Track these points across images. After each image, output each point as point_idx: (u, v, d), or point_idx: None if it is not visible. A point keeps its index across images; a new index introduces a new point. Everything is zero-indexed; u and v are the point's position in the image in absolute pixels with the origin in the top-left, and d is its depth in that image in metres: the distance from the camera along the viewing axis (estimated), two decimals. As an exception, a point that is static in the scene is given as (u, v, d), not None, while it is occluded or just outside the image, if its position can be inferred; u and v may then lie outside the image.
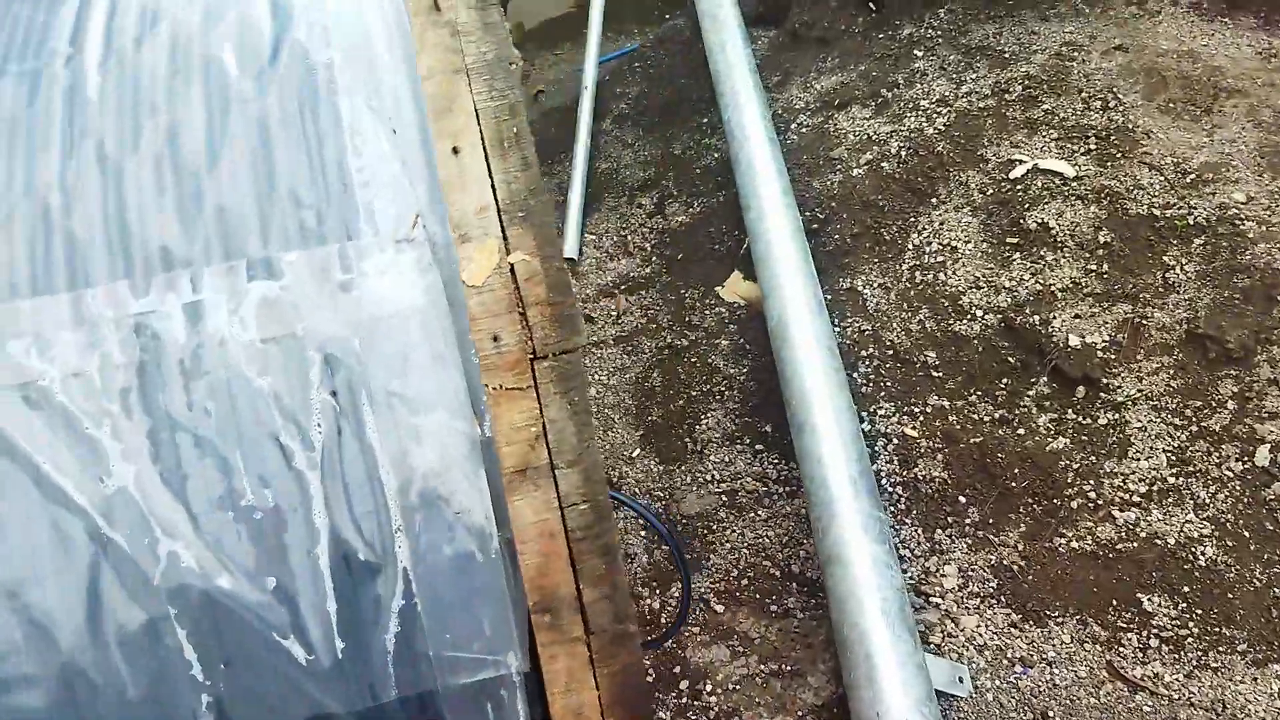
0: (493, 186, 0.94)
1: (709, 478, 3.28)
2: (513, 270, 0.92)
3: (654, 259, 4.33)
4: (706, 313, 3.91)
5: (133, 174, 1.07)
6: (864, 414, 3.22)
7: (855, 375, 3.32)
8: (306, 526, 1.00)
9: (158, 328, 1.01)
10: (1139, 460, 2.82)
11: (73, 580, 0.97)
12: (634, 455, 3.46)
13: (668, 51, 5.47)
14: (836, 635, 2.55)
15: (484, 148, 0.95)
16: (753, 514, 3.13)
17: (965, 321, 3.28)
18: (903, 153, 3.81)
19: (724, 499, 3.19)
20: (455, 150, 0.95)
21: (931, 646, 2.68)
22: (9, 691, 0.96)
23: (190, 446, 1.00)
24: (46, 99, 1.10)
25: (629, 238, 4.52)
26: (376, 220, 1.03)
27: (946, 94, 3.94)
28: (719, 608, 2.89)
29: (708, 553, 3.05)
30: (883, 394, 3.24)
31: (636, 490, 3.32)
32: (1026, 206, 3.43)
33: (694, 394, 3.59)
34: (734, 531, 3.09)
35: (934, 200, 3.64)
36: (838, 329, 3.48)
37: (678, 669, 2.75)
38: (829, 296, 3.60)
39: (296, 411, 1.01)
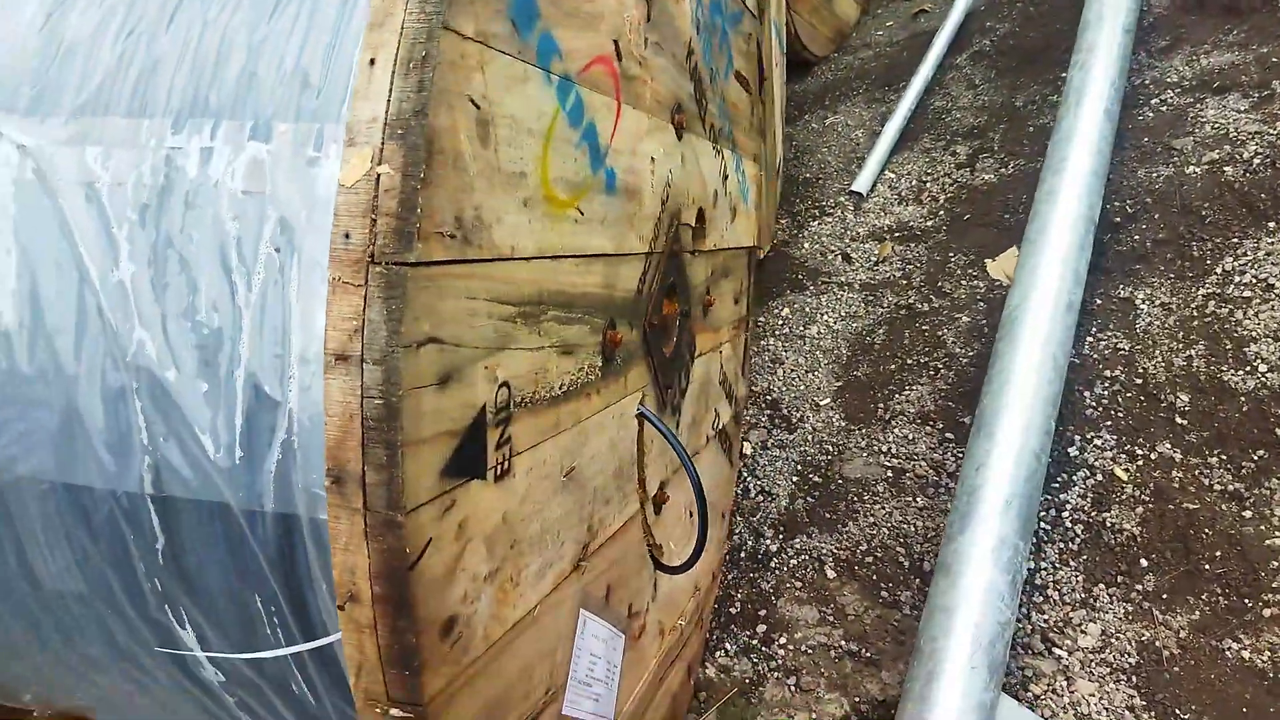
0: (388, 101, 1.03)
1: (885, 449, 3.14)
2: (378, 180, 1.02)
3: (941, 213, 4.05)
4: (963, 282, 3.62)
5: (214, 33, 1.30)
6: (1078, 437, 2.87)
7: (1087, 394, 2.94)
8: (233, 351, 1.22)
9: (179, 162, 1.26)
10: (1380, 601, 2.27)
11: (85, 343, 1.28)
12: (823, 403, 3.39)
13: (1056, -9, 4.88)
14: (916, 642, 2.41)
15: (394, 64, 1.04)
16: (911, 498, 2.97)
17: (1241, 373, 2.75)
18: (1256, 160, 3.16)
19: (890, 474, 3.06)
20: (372, 62, 1.05)
21: (1028, 696, 2.44)
22: (34, 408, 1.31)
23: (175, 262, 1.24)
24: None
25: (927, 185, 4.25)
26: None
27: (1353, 100, 3.16)
28: (831, 573, 2.83)
29: (847, 519, 2.97)
30: (1109, 423, 2.85)
31: (807, 438, 3.28)
32: (1391, 260, 2.74)
33: (909, 362, 3.40)
34: (883, 508, 2.96)
35: (1271, 225, 3.01)
36: (1090, 339, 3.08)
37: (763, 611, 2.77)
38: (1098, 301, 3.17)
39: (248, 257, 1.21)
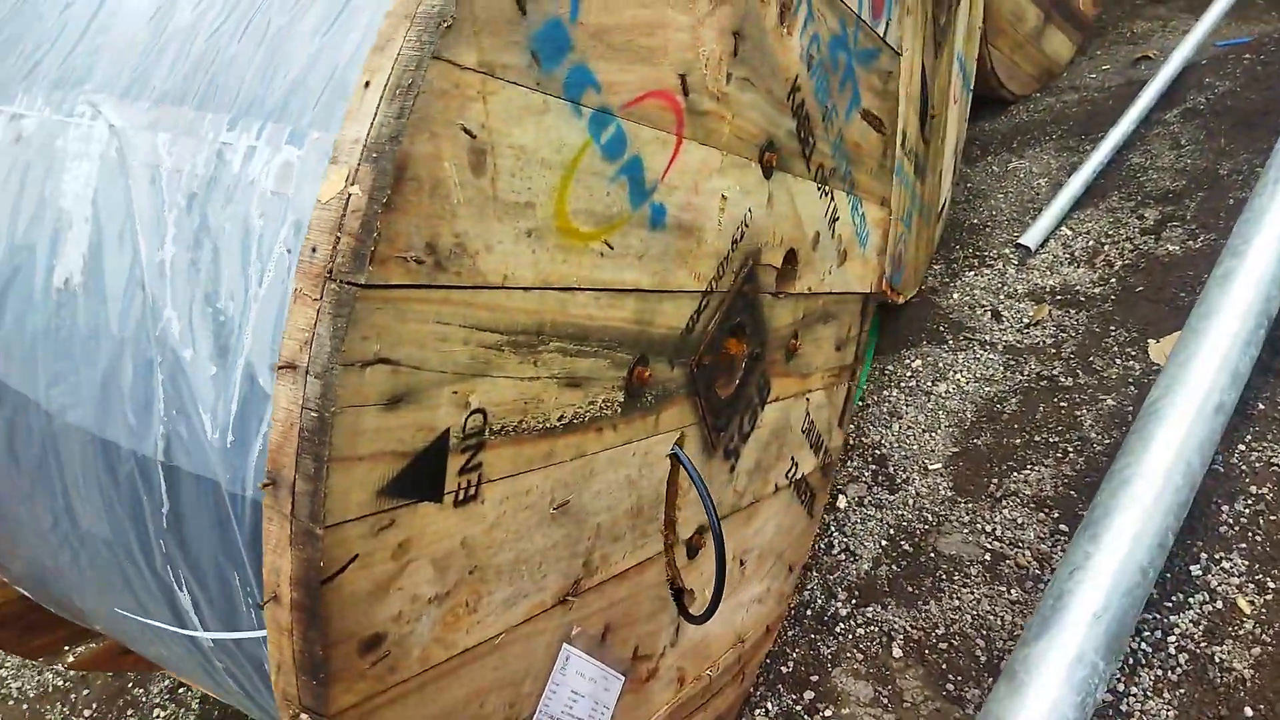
0: (371, 124, 1.05)
1: (988, 529, 2.90)
2: (348, 200, 1.04)
3: (1112, 281, 3.70)
4: (1118, 361, 3.30)
5: (283, 38, 1.37)
6: (1204, 555, 2.54)
7: (1225, 509, 2.60)
8: (239, 341, 1.27)
9: (228, 157, 1.33)
10: None
11: (131, 312, 1.38)
12: (932, 467, 3.18)
13: (1293, 51, 4.35)
14: (963, 748, 2.22)
15: (384, 89, 1.05)
16: (1005, 588, 2.73)
17: None
18: None
19: (988, 557, 2.83)
20: (367, 84, 1.06)
21: (1085, 837, 2.19)
22: (85, 365, 1.43)
23: (209, 250, 1.32)
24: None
25: (1104, 248, 3.90)
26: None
27: None
28: (898, 652, 2.65)
29: (930, 596, 2.77)
30: (1243, 546, 2.51)
31: (908, 501, 3.09)
32: None
33: (1037, 439, 3.13)
34: (972, 593, 2.75)
35: None
36: (1241, 447, 2.72)
37: (815, 677, 2.63)
38: (1260, 407, 2.81)
39: (265, 254, 1.27)
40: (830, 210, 2.30)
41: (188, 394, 1.35)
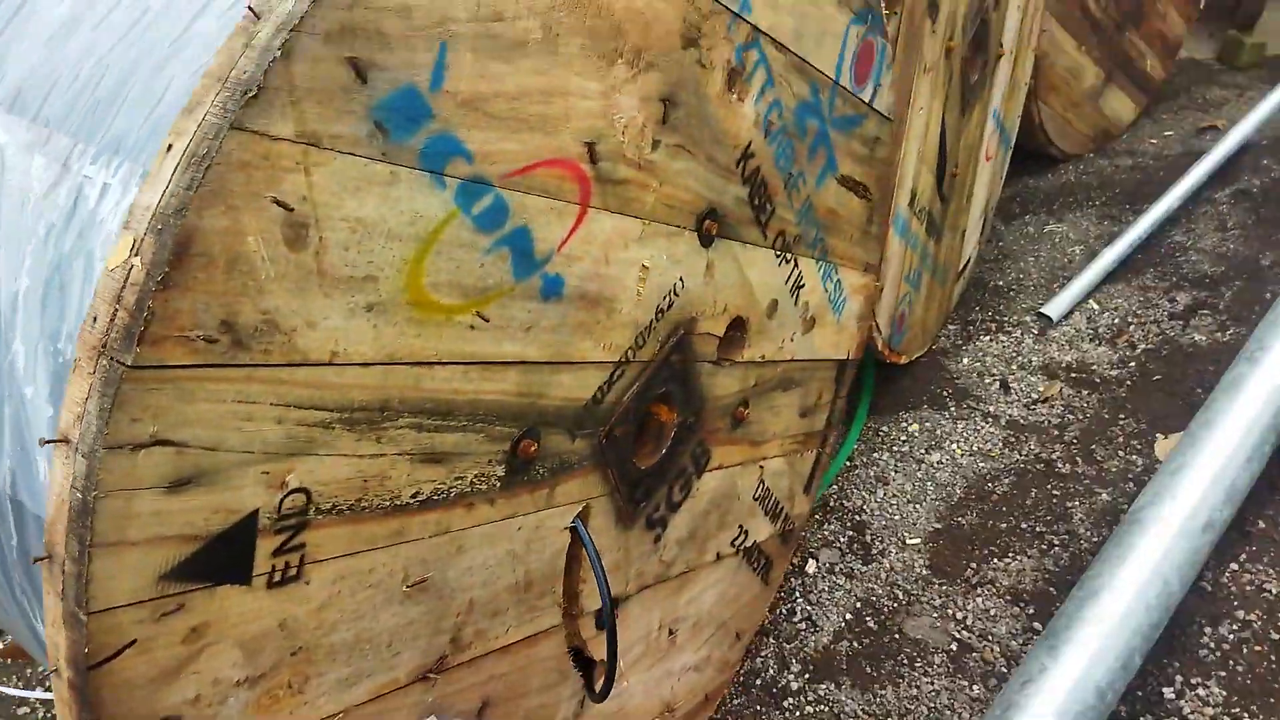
0: (163, 194, 0.99)
1: (958, 617, 2.75)
2: (129, 272, 0.98)
3: (1131, 364, 3.49)
4: (1120, 454, 3.10)
5: (156, 68, 1.33)
6: (1179, 678, 2.35)
7: (1207, 631, 2.41)
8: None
9: (86, 191, 1.29)
10: None
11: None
12: (908, 542, 3.02)
13: (1363, 132, 4.07)
14: None
15: (181, 156, 1.00)
16: (967, 683, 2.57)
17: None
18: None
19: (954, 646, 2.67)
20: (169, 148, 1.01)
21: None
22: None
23: (57, 288, 1.28)
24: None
25: (1130, 328, 3.69)
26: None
27: None
28: (839, 740, 2.51)
29: (888, 681, 2.62)
30: (1223, 674, 2.32)
31: (880, 575, 2.94)
32: None
33: (1023, 526, 2.95)
34: (932, 684, 2.59)
35: None
36: (1234, 565, 2.52)
37: (748, 758, 2.51)
38: (1260, 524, 2.60)
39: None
40: (793, 278, 2.19)
41: (27, 434, 1.31)
